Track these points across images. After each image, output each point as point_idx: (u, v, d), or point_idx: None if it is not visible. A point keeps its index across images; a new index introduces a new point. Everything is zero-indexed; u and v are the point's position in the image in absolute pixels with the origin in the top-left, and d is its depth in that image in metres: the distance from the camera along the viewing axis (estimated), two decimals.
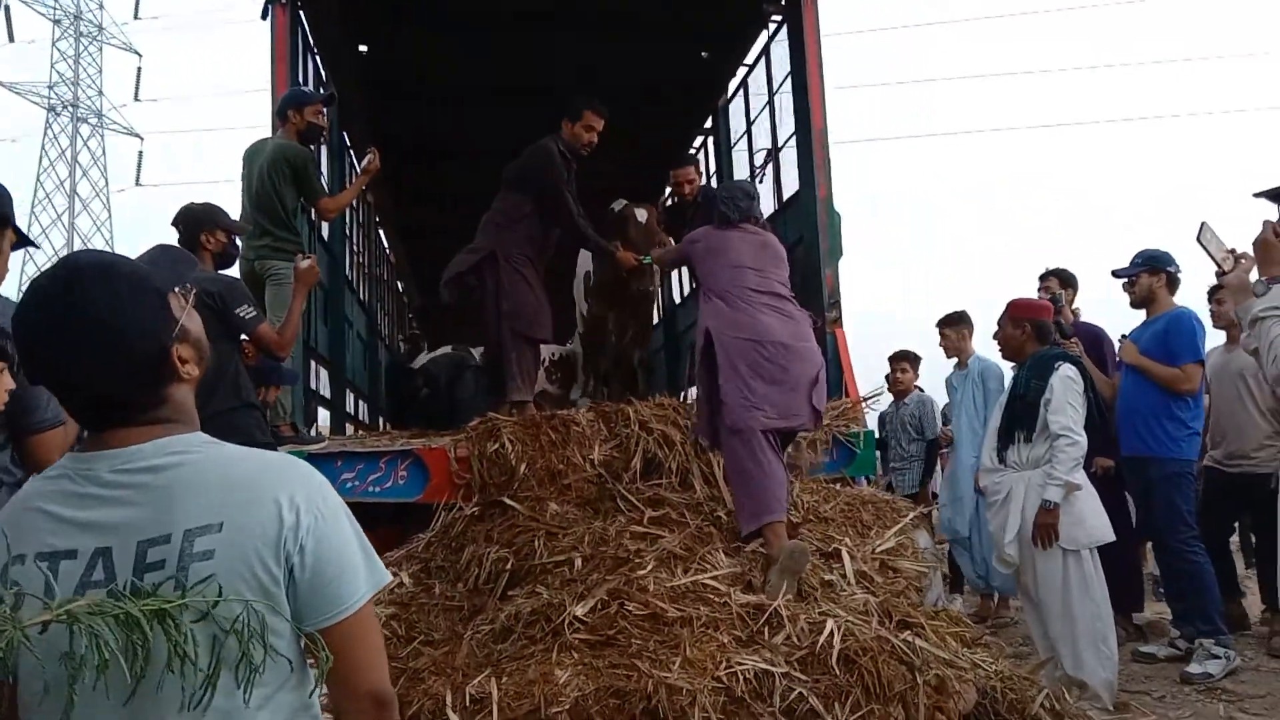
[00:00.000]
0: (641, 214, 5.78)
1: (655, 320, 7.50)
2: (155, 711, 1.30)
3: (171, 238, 4.31)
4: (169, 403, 1.45)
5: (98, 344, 1.38)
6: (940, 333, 6.65)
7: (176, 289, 1.50)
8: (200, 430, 1.49)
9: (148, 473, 1.38)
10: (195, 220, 4.15)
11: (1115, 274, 5.34)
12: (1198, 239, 3.35)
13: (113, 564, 1.33)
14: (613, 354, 6.58)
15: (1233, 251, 3.32)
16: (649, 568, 3.79)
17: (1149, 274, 5.22)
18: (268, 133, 5.56)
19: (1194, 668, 4.67)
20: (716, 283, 4.43)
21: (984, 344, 6.28)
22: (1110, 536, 4.31)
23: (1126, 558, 5.38)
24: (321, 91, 6.53)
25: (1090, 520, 4.25)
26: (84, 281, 1.39)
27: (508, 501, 4.58)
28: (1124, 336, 5.32)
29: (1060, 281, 6.05)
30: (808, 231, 6.01)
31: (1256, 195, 3.33)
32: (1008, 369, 6.48)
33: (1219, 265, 3.33)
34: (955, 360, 6.68)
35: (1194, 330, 5.10)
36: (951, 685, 3.31)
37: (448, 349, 8.26)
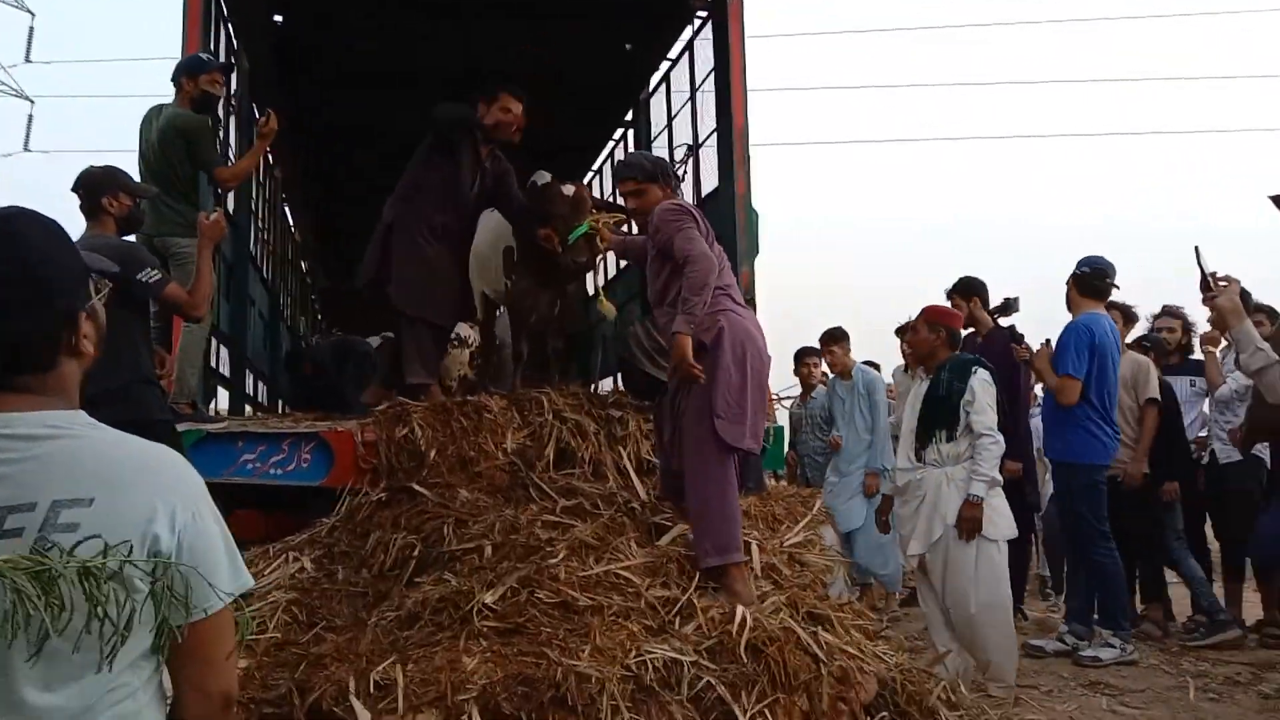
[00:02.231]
0: (568, 188, 5.21)
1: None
2: (67, 671, 1.27)
3: (71, 203, 4.11)
4: (57, 374, 1.41)
5: (20, 286, 1.36)
6: (825, 349, 6.93)
7: (94, 274, 1.49)
8: (89, 406, 1.46)
9: (22, 440, 1.34)
10: (96, 184, 3.96)
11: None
12: (1196, 259, 3.57)
13: None
14: (531, 337, 6.09)
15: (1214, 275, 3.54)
16: (560, 556, 3.76)
17: (1071, 279, 5.41)
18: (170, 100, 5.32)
19: (1087, 651, 4.94)
20: (723, 275, 4.00)
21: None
22: (1015, 533, 4.57)
23: (1018, 557, 5.59)
24: (230, 61, 6.31)
25: (1005, 515, 4.49)
26: (22, 224, 1.39)
27: (416, 488, 4.50)
28: (1045, 341, 5.52)
29: (966, 290, 6.22)
30: (725, 229, 6.06)
31: (1271, 197, 3.54)
32: (887, 376, 6.79)
33: (1208, 281, 3.53)
34: (838, 373, 6.97)
35: (1069, 343, 5.20)
36: (854, 676, 3.38)
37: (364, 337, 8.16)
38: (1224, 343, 5.71)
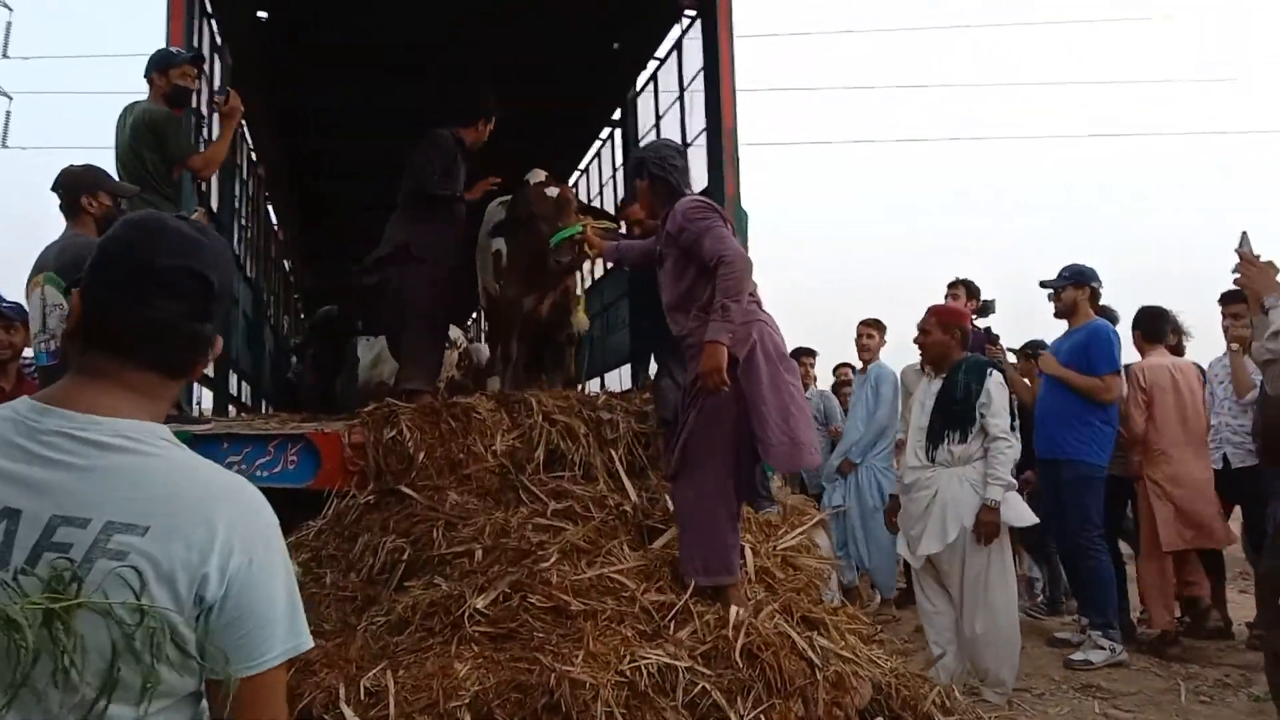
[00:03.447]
0: (552, 190, 5.27)
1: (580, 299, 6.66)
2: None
3: (49, 201, 4.04)
4: (173, 388, 1.39)
5: (202, 293, 1.35)
6: (865, 332, 6.78)
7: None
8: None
9: (93, 448, 1.25)
10: (75, 182, 3.89)
11: (1043, 285, 5.57)
12: (1238, 246, 3.51)
13: (15, 532, 1.21)
14: (531, 337, 6.08)
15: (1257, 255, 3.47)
16: (552, 560, 3.73)
17: (1074, 287, 5.46)
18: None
19: (1078, 655, 4.93)
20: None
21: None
22: (1035, 519, 4.59)
23: None
24: (201, 53, 6.21)
25: (1021, 506, 4.54)
26: (212, 237, 1.41)
27: (405, 490, 4.44)
28: (1042, 348, 5.50)
29: (966, 291, 6.24)
30: None
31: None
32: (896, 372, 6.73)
33: (1248, 260, 3.46)
34: (866, 359, 6.84)
35: (1111, 342, 5.35)
36: (849, 681, 3.36)
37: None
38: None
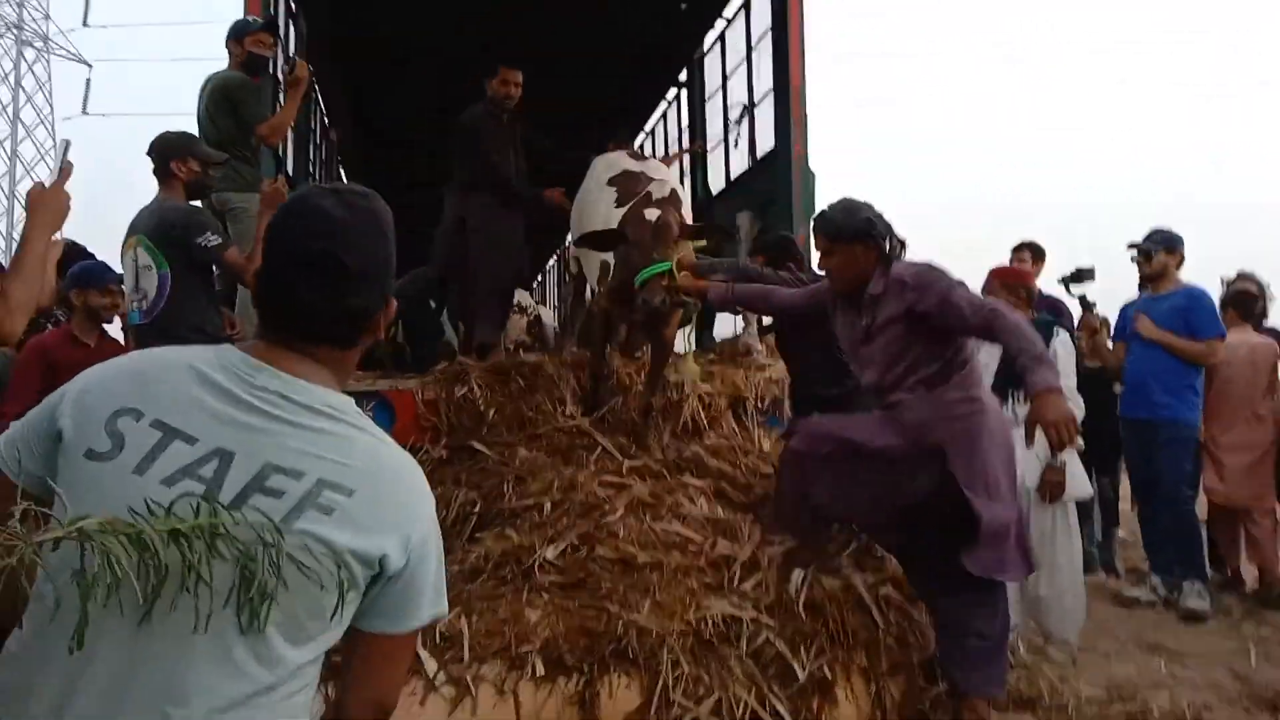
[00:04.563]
0: (652, 212, 4.23)
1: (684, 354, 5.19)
2: (170, 631, 1.26)
3: (125, 165, 4.19)
4: (350, 354, 1.48)
5: (372, 261, 1.43)
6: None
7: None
8: None
9: (305, 410, 1.36)
10: (168, 147, 4.04)
11: (1132, 246, 5.51)
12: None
13: (227, 470, 1.30)
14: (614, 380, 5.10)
15: None
16: (619, 514, 3.82)
17: (1166, 252, 5.45)
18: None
19: (1189, 602, 5.10)
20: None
21: None
22: (1091, 492, 4.56)
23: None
24: (274, 18, 6.35)
25: (1081, 476, 4.48)
26: (378, 204, 1.47)
27: (476, 446, 4.58)
28: (1134, 310, 5.47)
29: (1033, 254, 6.14)
30: (782, 190, 6.02)
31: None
32: None
33: None
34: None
35: (1214, 308, 5.43)
36: (912, 635, 3.40)
37: None
38: None
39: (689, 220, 4.54)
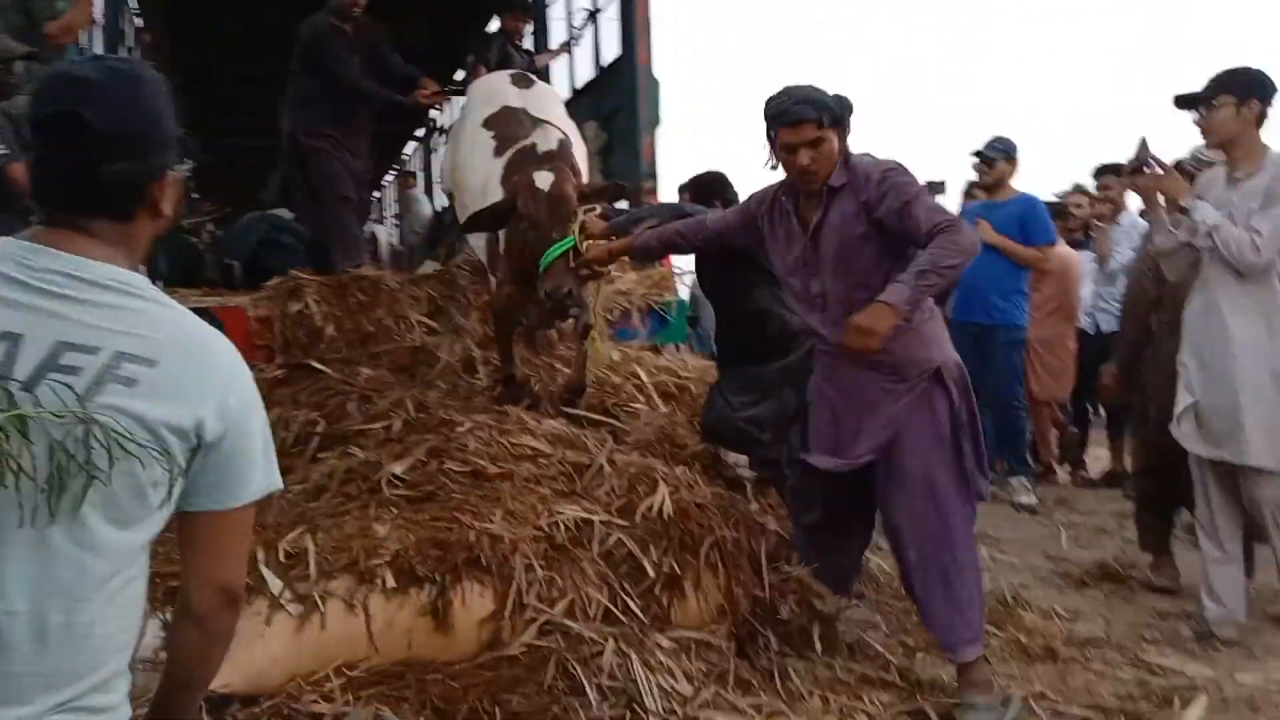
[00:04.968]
0: (543, 177, 3.65)
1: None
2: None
3: None
4: (132, 228, 1.39)
5: (133, 132, 1.35)
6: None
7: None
8: None
9: (91, 286, 1.30)
10: None
11: (977, 154, 5.69)
12: (1139, 152, 3.64)
13: (16, 353, 1.25)
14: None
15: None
16: (467, 428, 3.77)
17: (1006, 161, 5.66)
18: None
19: (1020, 499, 5.56)
20: None
21: None
22: None
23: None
24: None
25: None
26: (149, 74, 1.41)
27: (315, 364, 4.42)
28: (974, 215, 5.65)
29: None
30: (627, 98, 5.95)
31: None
32: None
33: (1147, 164, 3.60)
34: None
35: (1047, 215, 5.70)
36: (757, 535, 3.50)
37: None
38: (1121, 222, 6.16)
39: (583, 167, 4.10)
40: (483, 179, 4.13)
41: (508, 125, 4.26)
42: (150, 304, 1.35)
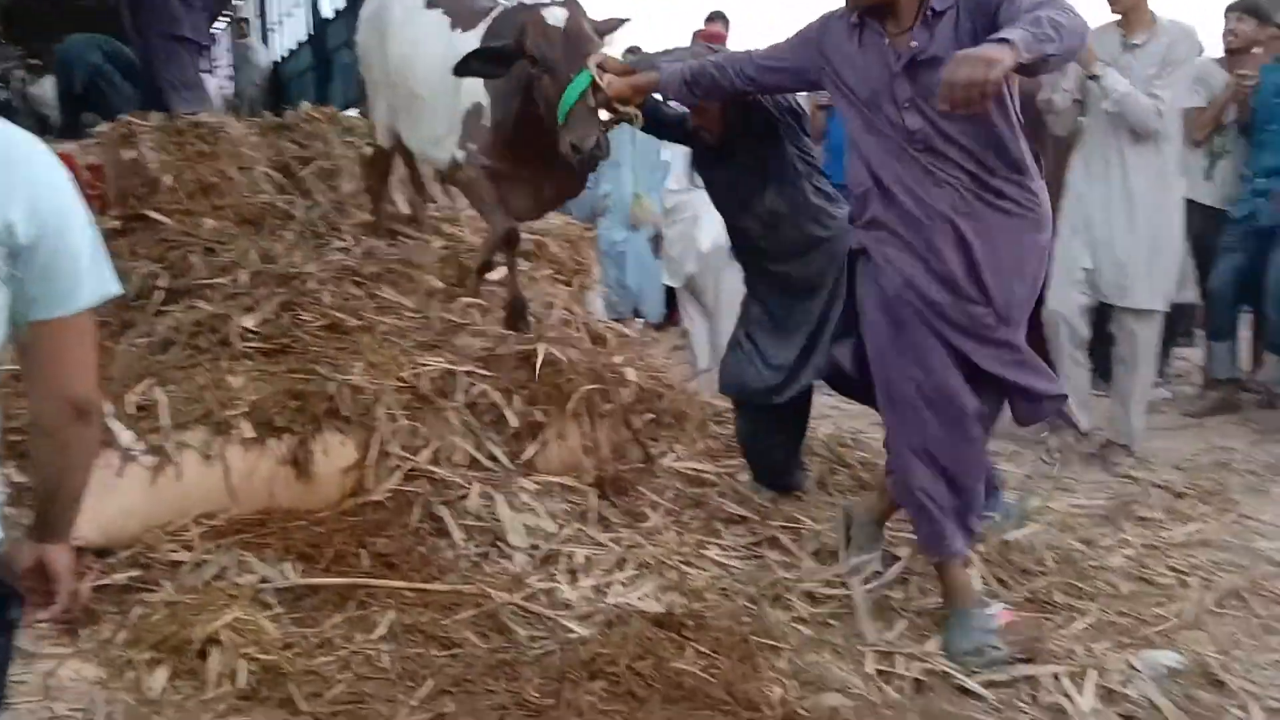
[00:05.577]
0: (556, 13, 3.01)
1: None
2: None
3: None
4: None
5: None
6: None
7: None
8: None
9: None
10: None
11: None
12: None
13: None
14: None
15: None
16: (323, 281, 3.68)
17: None
18: None
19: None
20: None
21: None
22: None
23: None
24: None
25: None
26: None
27: (153, 215, 4.18)
28: None
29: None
30: None
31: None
32: None
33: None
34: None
35: None
36: (617, 383, 3.58)
37: None
38: None
39: None
40: (443, 64, 3.24)
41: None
42: None
